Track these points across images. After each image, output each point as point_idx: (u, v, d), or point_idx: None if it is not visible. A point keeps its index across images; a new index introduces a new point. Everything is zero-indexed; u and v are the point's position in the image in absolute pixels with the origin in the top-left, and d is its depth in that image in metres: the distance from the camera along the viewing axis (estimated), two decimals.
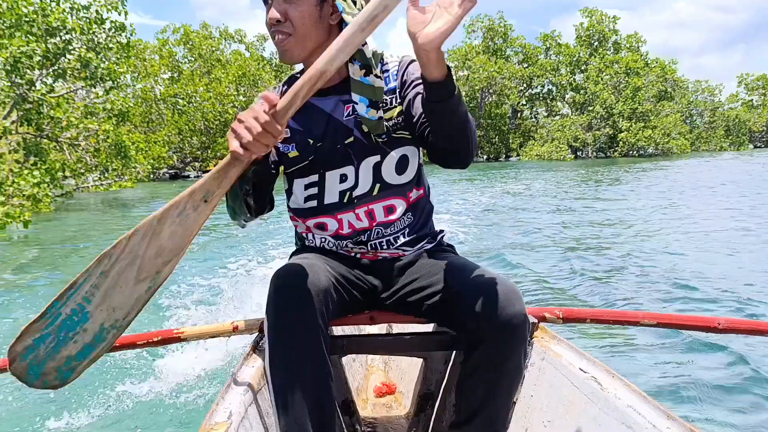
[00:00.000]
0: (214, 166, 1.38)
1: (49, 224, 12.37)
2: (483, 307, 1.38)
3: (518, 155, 55.98)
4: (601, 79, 54.19)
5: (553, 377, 1.61)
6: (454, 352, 1.86)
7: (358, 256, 1.67)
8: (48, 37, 14.97)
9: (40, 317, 1.35)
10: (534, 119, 59.55)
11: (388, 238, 1.66)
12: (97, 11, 15.50)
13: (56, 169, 15.37)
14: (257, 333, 1.78)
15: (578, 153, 54.41)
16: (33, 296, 5.81)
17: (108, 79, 16.02)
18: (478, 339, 1.40)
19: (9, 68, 14.45)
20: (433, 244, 1.71)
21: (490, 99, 55.47)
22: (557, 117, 57.26)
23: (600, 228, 9.36)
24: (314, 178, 1.62)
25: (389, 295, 1.66)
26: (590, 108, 54.26)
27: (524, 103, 59.54)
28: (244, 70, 33.23)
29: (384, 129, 1.58)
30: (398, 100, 1.59)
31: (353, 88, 1.55)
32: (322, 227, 1.66)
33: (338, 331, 1.99)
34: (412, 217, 1.68)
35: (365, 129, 1.57)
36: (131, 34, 16.59)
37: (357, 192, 1.62)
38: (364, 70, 1.54)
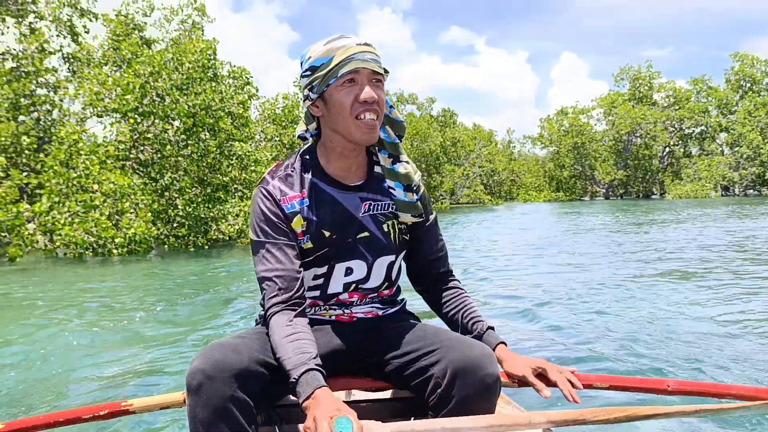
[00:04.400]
0: None
1: None
2: (458, 366, 1.40)
3: (665, 193, 59.25)
4: (749, 121, 56.22)
5: None
6: (412, 418, 1.88)
7: (333, 317, 1.68)
8: None
9: None
10: (687, 159, 62.26)
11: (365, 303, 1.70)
12: None
13: None
14: None
15: (728, 191, 56.57)
16: None
17: None
18: (447, 400, 1.42)
19: (287, 148, 24.58)
20: (397, 308, 1.76)
21: (638, 141, 59.78)
22: (708, 156, 59.69)
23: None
24: (324, 269, 1.62)
25: (356, 357, 1.64)
26: (737, 148, 56.40)
27: (675, 143, 62.62)
28: (417, 129, 42.66)
29: (422, 210, 1.66)
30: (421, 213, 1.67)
31: (387, 175, 1.63)
32: (312, 304, 1.68)
33: (293, 399, 1.90)
34: (393, 294, 1.77)
35: (385, 228, 1.62)
36: None
37: (365, 285, 1.66)
38: (391, 159, 1.62)
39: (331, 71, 1.50)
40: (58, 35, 23.16)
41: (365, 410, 1.70)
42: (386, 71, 1.54)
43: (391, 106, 1.61)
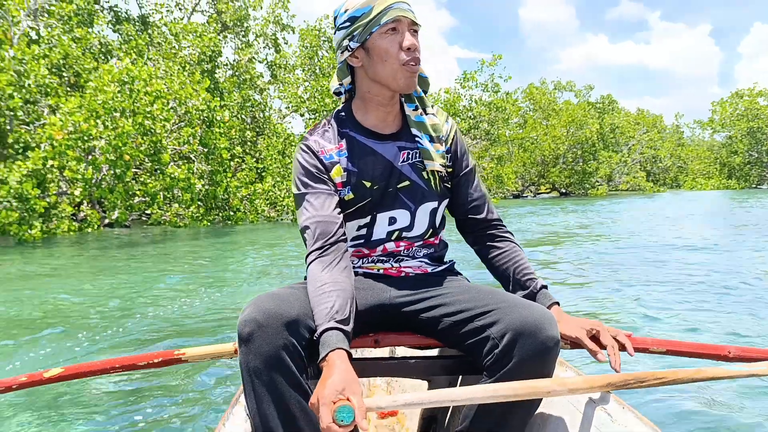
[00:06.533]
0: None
1: None
2: (518, 328, 1.38)
3: None
4: None
5: (561, 405, 1.59)
6: (460, 376, 1.88)
7: (381, 271, 1.67)
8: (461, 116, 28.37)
9: None
10: None
11: (413, 255, 1.69)
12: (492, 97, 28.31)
13: None
14: None
15: None
16: None
17: (497, 139, 28.63)
18: (504, 361, 1.39)
19: None
20: (446, 266, 1.73)
21: None
22: None
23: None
24: (366, 219, 1.63)
25: (405, 312, 1.61)
26: None
27: None
28: (573, 117, 43.84)
29: (447, 166, 1.67)
30: (449, 162, 1.68)
31: (412, 125, 1.63)
32: (358, 253, 1.68)
33: None
34: (438, 245, 1.74)
35: (425, 175, 1.63)
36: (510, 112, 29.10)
37: (410, 233, 1.65)
38: (419, 110, 1.64)
39: (373, 20, 1.50)
40: (264, 47, 28.59)
41: (412, 367, 1.66)
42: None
43: None
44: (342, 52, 1.60)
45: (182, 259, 10.10)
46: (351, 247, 1.67)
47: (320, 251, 1.50)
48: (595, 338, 1.49)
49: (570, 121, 43.82)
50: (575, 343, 1.51)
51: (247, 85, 24.80)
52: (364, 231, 1.65)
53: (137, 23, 25.08)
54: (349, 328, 1.36)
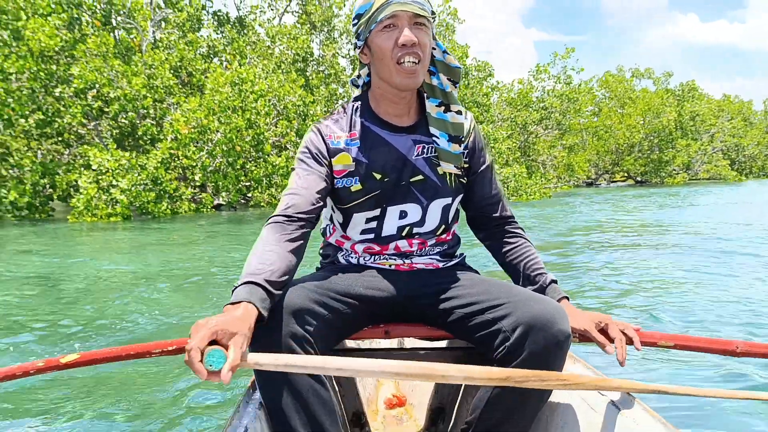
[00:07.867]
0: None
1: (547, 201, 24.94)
2: (529, 322, 1.38)
3: None
4: None
5: (570, 398, 1.61)
6: None
7: (393, 267, 1.66)
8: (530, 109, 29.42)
9: None
10: None
11: (426, 254, 1.69)
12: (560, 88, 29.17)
13: (539, 176, 29.55)
14: None
15: None
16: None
17: (568, 129, 29.51)
18: (515, 355, 1.40)
19: (520, 127, 29.13)
20: (457, 261, 1.74)
21: None
22: None
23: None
24: (376, 212, 1.61)
25: (416, 304, 1.62)
26: None
27: None
28: (649, 105, 43.59)
29: (464, 163, 1.64)
30: (466, 158, 1.66)
31: (431, 123, 1.60)
32: (370, 250, 1.67)
33: (350, 344, 1.99)
34: (451, 241, 1.75)
35: (440, 171, 1.60)
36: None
37: (421, 229, 1.64)
38: (442, 107, 1.61)
39: (371, 17, 1.48)
40: (347, 42, 30.63)
41: (422, 359, 1.68)
42: (434, 14, 1.53)
43: (444, 51, 1.59)
44: (355, 48, 1.61)
45: None
46: (360, 242, 1.66)
47: (285, 218, 1.47)
48: (603, 331, 1.50)
49: (647, 110, 43.55)
50: (584, 336, 1.51)
51: (331, 79, 26.95)
52: (373, 224, 1.64)
53: (236, 25, 27.72)
54: (275, 293, 1.31)
